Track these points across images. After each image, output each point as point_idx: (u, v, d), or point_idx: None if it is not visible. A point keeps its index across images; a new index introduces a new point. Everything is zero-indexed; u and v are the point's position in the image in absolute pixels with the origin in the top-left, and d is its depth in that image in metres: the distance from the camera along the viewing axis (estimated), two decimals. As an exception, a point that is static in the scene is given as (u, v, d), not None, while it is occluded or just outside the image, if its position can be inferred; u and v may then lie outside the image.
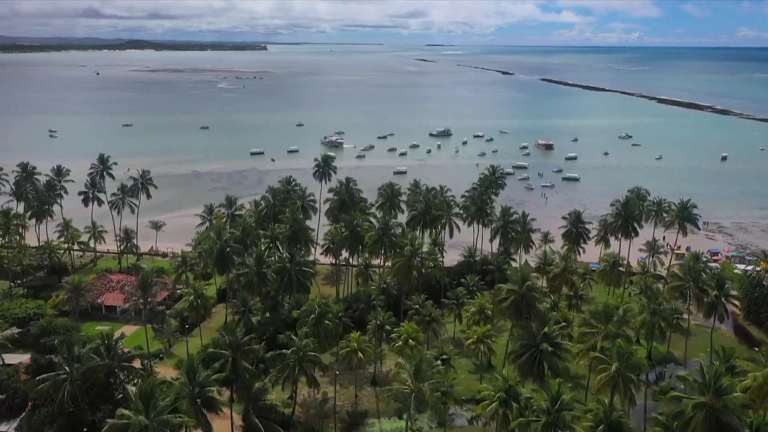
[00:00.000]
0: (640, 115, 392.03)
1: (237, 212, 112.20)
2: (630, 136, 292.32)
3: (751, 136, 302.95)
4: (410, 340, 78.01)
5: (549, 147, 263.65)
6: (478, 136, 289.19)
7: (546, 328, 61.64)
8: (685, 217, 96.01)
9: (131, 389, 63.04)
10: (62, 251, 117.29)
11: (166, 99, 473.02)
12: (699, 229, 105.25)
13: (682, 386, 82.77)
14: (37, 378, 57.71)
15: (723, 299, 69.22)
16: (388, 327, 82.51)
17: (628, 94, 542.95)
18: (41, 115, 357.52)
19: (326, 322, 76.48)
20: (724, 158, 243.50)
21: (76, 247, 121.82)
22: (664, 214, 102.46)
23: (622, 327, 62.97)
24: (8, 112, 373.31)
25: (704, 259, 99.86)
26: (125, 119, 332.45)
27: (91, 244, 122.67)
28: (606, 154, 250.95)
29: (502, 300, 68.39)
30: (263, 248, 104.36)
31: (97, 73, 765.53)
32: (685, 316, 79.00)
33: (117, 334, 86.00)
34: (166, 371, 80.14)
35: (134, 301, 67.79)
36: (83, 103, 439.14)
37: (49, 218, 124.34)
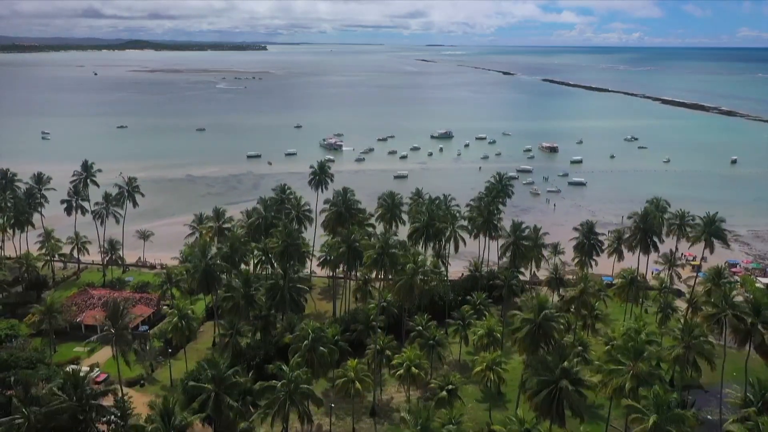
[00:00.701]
0: (645, 116, 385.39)
1: (225, 225, 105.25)
2: (636, 139, 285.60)
3: (760, 139, 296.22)
4: (413, 368, 71.55)
5: (553, 150, 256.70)
6: (480, 138, 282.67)
7: (566, 363, 54.87)
8: (712, 232, 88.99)
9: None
10: (42, 264, 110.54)
11: (163, 100, 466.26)
12: (728, 245, 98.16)
13: (709, 417, 77.13)
14: (-10, 424, 51.08)
15: (760, 326, 62.45)
16: (388, 352, 75.90)
17: (631, 94, 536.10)
18: (35, 116, 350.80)
19: (321, 348, 70.06)
20: (734, 162, 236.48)
21: (57, 258, 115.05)
22: (688, 229, 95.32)
23: (653, 364, 55.84)
24: (1, 113, 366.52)
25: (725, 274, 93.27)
26: (121, 121, 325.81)
27: (75, 255, 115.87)
28: (612, 157, 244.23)
29: (516, 329, 61.58)
30: (255, 262, 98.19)
31: (95, 74, 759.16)
32: (712, 340, 72.20)
33: (87, 363, 79.72)
34: (147, 400, 73.51)
35: (105, 332, 61.11)
36: (79, 104, 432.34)
37: (30, 227, 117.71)
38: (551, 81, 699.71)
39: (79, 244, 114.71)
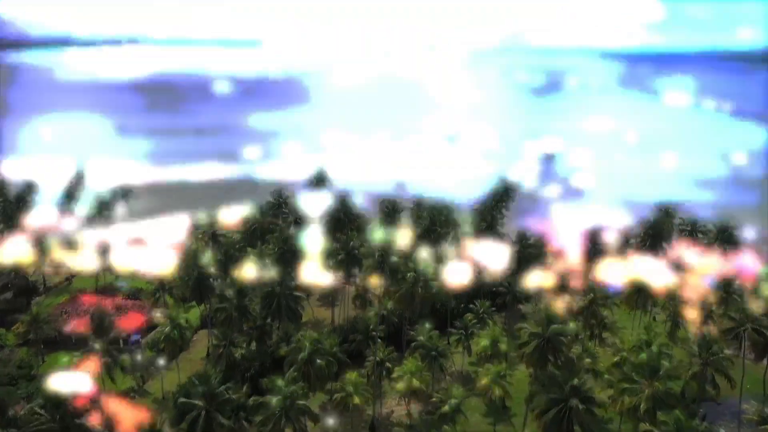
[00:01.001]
0: (646, 117, 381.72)
1: (220, 231, 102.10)
2: (637, 140, 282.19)
3: (761, 139, 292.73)
4: (414, 381, 68.72)
5: (554, 151, 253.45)
6: (482, 140, 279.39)
7: (576, 380, 51.95)
8: (725, 239, 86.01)
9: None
10: (33, 269, 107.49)
11: (162, 100, 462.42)
12: (742, 252, 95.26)
13: (722, 430, 74.16)
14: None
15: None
16: (388, 364, 73.02)
17: (632, 95, 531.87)
18: (32, 116, 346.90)
19: (318, 360, 67.14)
20: (738, 163, 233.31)
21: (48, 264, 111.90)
22: (700, 235, 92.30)
23: (669, 383, 52.75)
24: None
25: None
26: (119, 121, 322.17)
27: (67, 260, 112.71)
28: (614, 158, 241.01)
29: (524, 344, 58.67)
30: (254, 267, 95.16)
31: (94, 74, 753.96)
32: (729, 352, 69.28)
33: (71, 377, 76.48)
34: (137, 414, 70.55)
35: (89, 348, 58.22)
36: (78, 104, 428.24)
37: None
38: (551, 81, 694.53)
39: (71, 248, 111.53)
